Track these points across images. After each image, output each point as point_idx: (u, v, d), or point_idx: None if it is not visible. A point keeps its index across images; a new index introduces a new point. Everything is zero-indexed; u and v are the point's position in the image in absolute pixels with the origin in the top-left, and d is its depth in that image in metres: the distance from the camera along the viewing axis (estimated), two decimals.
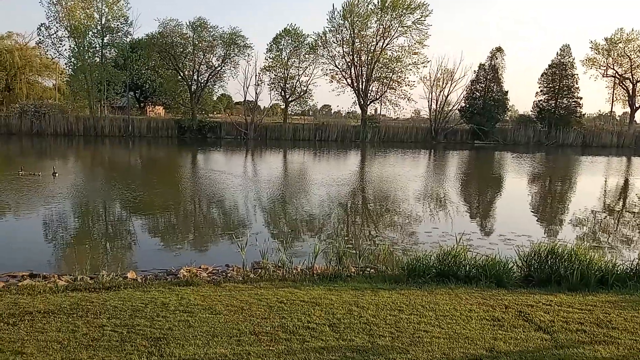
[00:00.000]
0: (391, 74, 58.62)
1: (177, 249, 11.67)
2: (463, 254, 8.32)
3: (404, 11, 55.63)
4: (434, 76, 59.27)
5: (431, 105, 59.81)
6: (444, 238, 12.41)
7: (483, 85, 59.27)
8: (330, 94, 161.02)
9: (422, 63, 58.06)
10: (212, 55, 55.02)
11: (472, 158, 43.10)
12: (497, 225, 15.58)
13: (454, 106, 60.61)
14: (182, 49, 53.65)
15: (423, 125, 62.11)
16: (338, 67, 58.82)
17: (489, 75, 58.95)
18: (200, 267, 9.17)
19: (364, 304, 6.60)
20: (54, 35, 52.11)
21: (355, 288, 7.48)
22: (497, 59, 59.25)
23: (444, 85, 59.10)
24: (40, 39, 53.60)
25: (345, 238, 12.71)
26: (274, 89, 58.69)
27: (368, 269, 9.04)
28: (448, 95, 59.38)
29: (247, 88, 57.34)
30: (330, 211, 16.67)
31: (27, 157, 32.63)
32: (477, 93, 59.35)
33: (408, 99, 59.80)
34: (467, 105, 59.60)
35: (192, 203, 17.99)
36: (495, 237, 13.19)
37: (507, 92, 59.89)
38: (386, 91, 59.50)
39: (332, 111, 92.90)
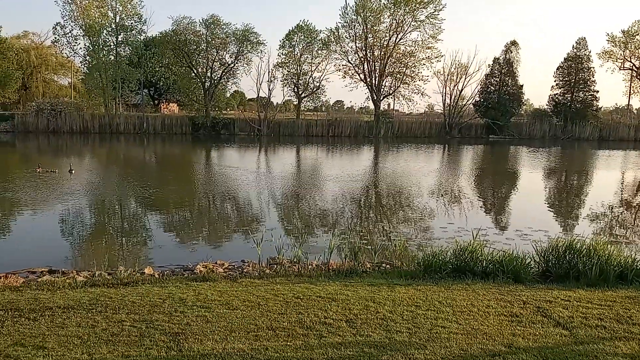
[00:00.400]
0: (404, 68, 58.33)
1: (192, 244, 11.74)
2: (480, 249, 8.26)
3: (417, 5, 55.23)
4: (447, 71, 58.90)
5: (445, 99, 59.52)
6: (459, 233, 12.32)
7: (498, 79, 58.78)
8: (343, 90, 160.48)
9: (436, 58, 57.77)
10: (225, 52, 55.21)
11: (487, 152, 42.76)
12: (513, 220, 15.44)
13: (468, 100, 60.27)
14: (195, 47, 53.87)
15: (437, 120, 61.69)
16: (351, 63, 58.71)
17: (504, 69, 58.43)
18: (216, 263, 9.23)
19: (380, 300, 6.59)
20: (69, 34, 52.69)
21: (371, 284, 7.47)
22: (511, 52, 58.73)
23: (458, 80, 58.72)
24: (55, 37, 54.30)
25: (360, 234, 12.69)
26: (287, 85, 58.80)
27: (383, 265, 9.02)
28: (462, 89, 59.07)
29: (260, 84, 57.54)
30: (344, 207, 16.66)
31: (44, 155, 33.08)
32: (492, 87, 58.87)
33: (422, 94, 59.61)
34: (482, 100, 59.15)
35: (207, 199, 18.09)
36: (511, 232, 13.08)
37: (522, 85, 59.44)
38: (399, 86, 59.25)
39: (345, 107, 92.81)
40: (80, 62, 56.60)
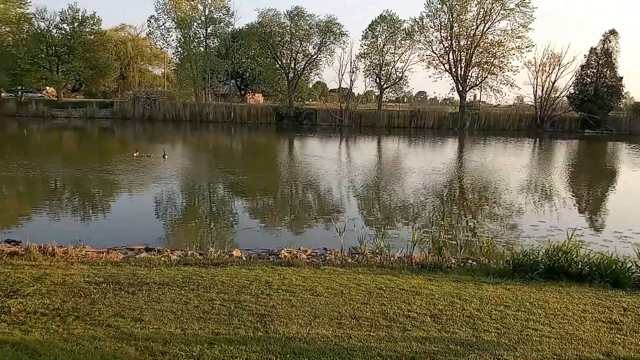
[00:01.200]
0: (492, 59, 55.88)
1: (277, 230, 12.04)
2: (575, 250, 7.77)
3: None
4: (539, 61, 55.63)
5: (536, 91, 56.28)
6: (552, 233, 11.69)
7: (595, 71, 54.64)
8: (426, 80, 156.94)
9: (527, 47, 54.58)
10: (308, 44, 55.73)
11: (582, 148, 40.11)
12: (611, 221, 14.38)
13: (561, 93, 56.55)
14: (280, 38, 54.84)
15: (527, 113, 58.49)
16: (435, 53, 57.07)
17: (601, 60, 54.19)
18: (299, 249, 9.40)
19: (466, 297, 6.40)
20: (162, 26, 55.76)
21: (456, 280, 7.27)
22: (610, 42, 54.29)
23: (550, 71, 55.24)
24: (150, 30, 57.77)
25: (444, 228, 12.38)
26: (369, 76, 58.25)
27: (469, 261, 8.74)
28: (555, 81, 55.47)
29: (342, 75, 57.50)
30: (426, 200, 16.33)
31: (140, 141, 35.25)
32: (588, 79, 54.83)
33: (511, 85, 56.76)
34: (577, 92, 55.32)
35: (291, 187, 18.44)
36: (609, 233, 12.19)
37: (621, 77, 54.86)
38: (487, 77, 56.86)
39: (428, 98, 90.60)
40: (173, 53, 59.83)
